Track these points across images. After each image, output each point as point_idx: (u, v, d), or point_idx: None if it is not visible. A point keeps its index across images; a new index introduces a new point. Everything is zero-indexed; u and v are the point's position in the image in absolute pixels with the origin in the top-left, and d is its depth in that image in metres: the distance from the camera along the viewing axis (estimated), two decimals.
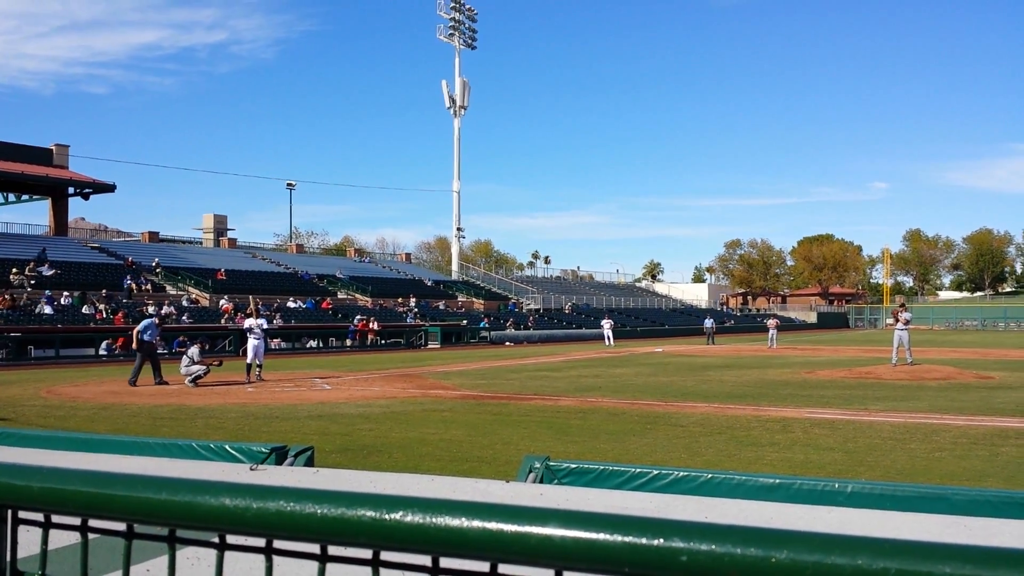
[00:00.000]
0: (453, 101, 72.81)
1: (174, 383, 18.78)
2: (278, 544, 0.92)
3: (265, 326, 21.02)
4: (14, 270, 37.76)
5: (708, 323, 49.29)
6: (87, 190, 50.78)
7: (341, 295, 53.29)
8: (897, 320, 24.88)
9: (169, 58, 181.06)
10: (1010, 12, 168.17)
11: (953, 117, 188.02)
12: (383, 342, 42.97)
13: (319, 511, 0.83)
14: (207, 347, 19.68)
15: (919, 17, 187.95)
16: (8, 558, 1.06)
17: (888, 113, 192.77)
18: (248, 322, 21.05)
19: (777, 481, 4.65)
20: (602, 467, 5.15)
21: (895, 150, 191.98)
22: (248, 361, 20.40)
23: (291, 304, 45.42)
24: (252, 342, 20.28)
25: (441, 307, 55.83)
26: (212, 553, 0.97)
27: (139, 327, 19.98)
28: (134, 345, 19.88)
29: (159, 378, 18.96)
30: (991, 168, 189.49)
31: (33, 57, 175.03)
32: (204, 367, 19.11)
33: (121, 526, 0.99)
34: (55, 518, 1.05)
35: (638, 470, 5.02)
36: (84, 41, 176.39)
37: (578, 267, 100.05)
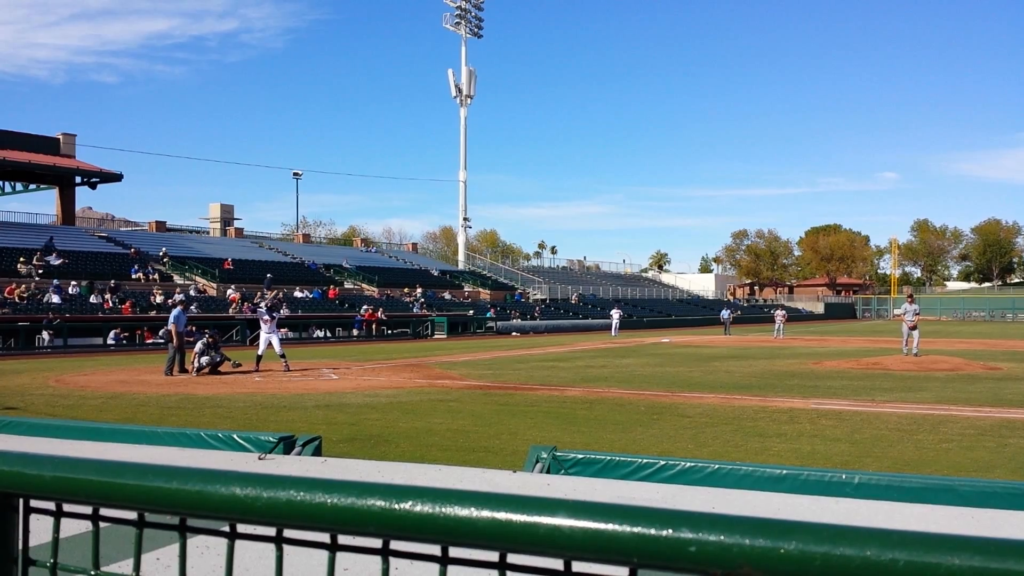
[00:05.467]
0: (459, 90, 72.63)
1: (181, 374, 18.90)
2: (288, 533, 0.93)
3: (265, 316, 20.19)
4: (22, 259, 37.93)
5: (725, 314, 49.43)
6: (94, 179, 50.93)
7: (348, 285, 53.38)
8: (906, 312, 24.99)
9: (179, 47, 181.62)
10: (1019, 1, 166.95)
11: (963, 107, 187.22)
12: (389, 332, 43.05)
13: (330, 500, 0.83)
14: (214, 340, 19.61)
15: (929, 5, 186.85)
16: (20, 547, 1.07)
17: (897, 103, 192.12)
18: (261, 310, 21.05)
19: (784, 472, 4.64)
20: (609, 457, 5.16)
21: (904, 140, 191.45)
22: (259, 353, 20.40)
23: (298, 294, 45.53)
24: (263, 334, 20.25)
25: (447, 297, 55.89)
26: (223, 541, 0.98)
27: (171, 319, 19.72)
28: (174, 342, 19.25)
29: (173, 369, 18.97)
30: (1000, 158, 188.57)
31: (43, 46, 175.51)
32: (218, 356, 19.23)
33: (132, 515, 1.00)
34: (66, 507, 1.05)
35: (645, 460, 5.03)
36: (95, 30, 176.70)
37: (584, 257, 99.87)
